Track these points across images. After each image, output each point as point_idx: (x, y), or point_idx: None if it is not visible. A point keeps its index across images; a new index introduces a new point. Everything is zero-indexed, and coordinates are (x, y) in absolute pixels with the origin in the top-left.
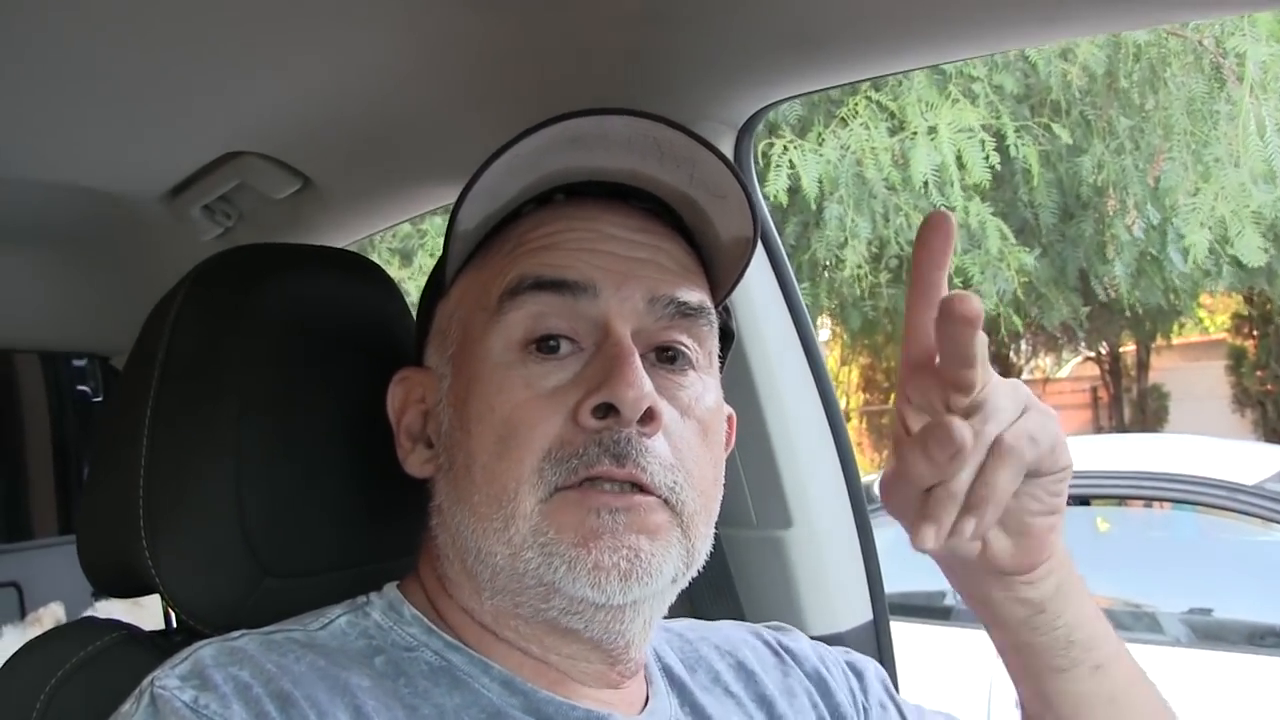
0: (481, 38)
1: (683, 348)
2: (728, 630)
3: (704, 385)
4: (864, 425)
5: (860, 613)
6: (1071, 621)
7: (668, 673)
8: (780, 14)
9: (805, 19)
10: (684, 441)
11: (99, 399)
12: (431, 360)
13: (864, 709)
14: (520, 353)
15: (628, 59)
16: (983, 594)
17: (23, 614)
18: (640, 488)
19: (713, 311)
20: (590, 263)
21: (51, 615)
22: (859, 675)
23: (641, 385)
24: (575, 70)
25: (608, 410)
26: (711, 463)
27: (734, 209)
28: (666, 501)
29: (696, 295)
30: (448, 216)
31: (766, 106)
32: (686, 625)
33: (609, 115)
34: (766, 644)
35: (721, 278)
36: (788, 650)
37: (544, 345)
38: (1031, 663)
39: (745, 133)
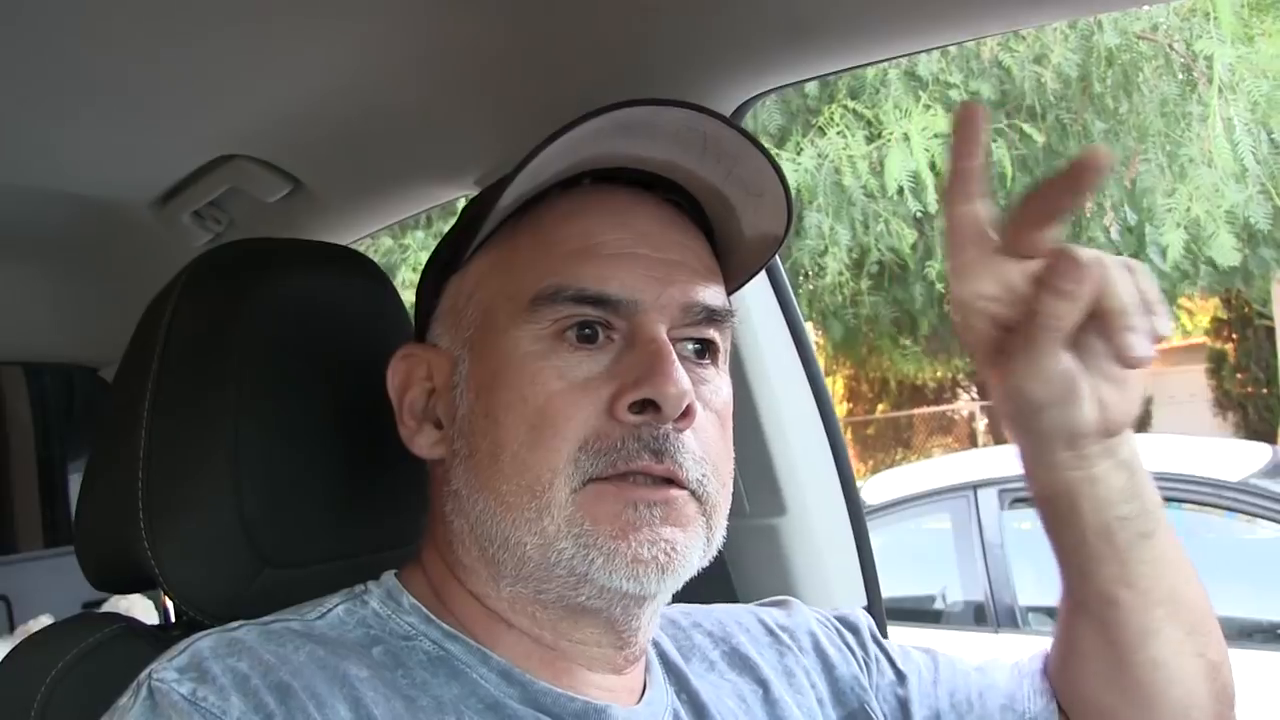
0: (472, 37)
1: (709, 343)
2: (719, 614)
3: (721, 379)
4: (849, 436)
5: (855, 599)
6: (1146, 481)
7: (664, 659)
8: (766, 3)
9: (796, 6)
10: (707, 435)
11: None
12: (442, 340)
13: (864, 663)
14: (552, 341)
15: (617, 49)
16: (1089, 475)
17: (11, 626)
18: (672, 481)
19: (734, 312)
20: (630, 271)
21: (40, 627)
22: (854, 630)
23: (681, 383)
24: (564, 64)
25: (645, 406)
26: (728, 455)
27: (768, 207)
28: (694, 494)
29: (721, 298)
30: (429, 226)
31: (757, 95)
32: (679, 611)
33: (665, 106)
34: (763, 624)
35: (735, 270)
36: (785, 629)
37: (580, 334)
38: (1122, 536)
39: (735, 120)
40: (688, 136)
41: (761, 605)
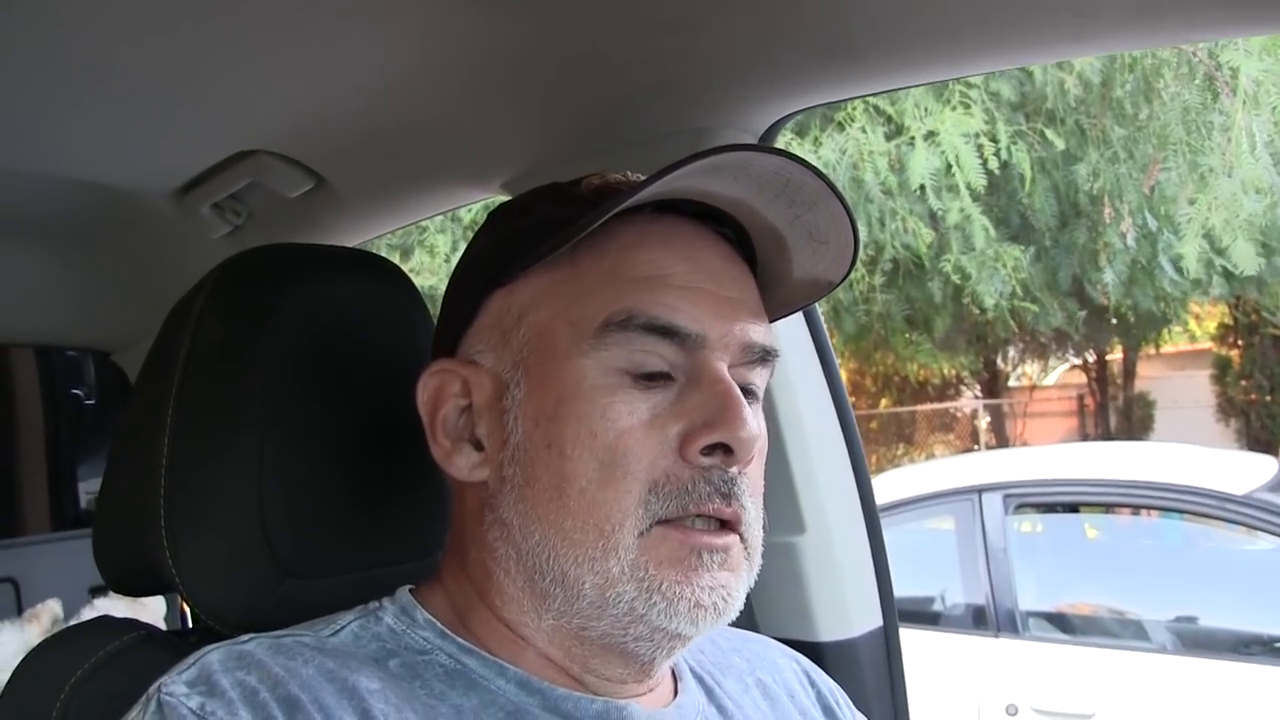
0: (501, 42)
1: (757, 385)
2: (758, 646)
3: (761, 416)
4: None
5: (871, 618)
6: None
7: (699, 671)
8: (803, 24)
9: (828, 29)
10: (754, 471)
11: (91, 401)
12: (484, 357)
13: None
14: (620, 376)
15: (647, 66)
16: None
17: (20, 610)
18: (730, 524)
19: (779, 353)
20: (698, 305)
21: (49, 611)
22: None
23: (752, 426)
24: (595, 76)
25: (715, 448)
26: (762, 489)
27: (831, 254)
28: (743, 537)
29: (771, 337)
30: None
31: (786, 116)
32: (721, 634)
33: (761, 154)
34: (794, 670)
35: (775, 306)
36: (814, 684)
37: (645, 375)
38: None
39: (764, 141)
40: (771, 181)
41: (797, 653)
